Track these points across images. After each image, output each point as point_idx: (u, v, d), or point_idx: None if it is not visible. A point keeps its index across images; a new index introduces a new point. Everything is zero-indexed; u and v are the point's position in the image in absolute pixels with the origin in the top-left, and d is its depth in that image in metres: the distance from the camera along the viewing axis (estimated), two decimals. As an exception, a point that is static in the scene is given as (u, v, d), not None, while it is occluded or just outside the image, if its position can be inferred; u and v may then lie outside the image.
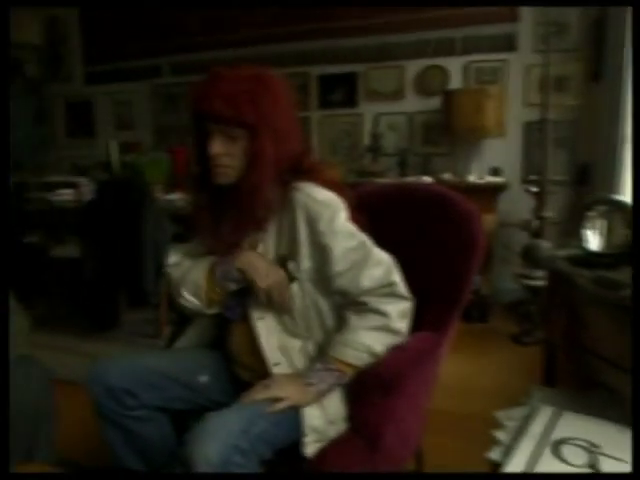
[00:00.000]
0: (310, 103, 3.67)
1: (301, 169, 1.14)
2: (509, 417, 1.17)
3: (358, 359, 1.06)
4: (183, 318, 1.40)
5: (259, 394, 1.03)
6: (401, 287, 1.09)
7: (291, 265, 1.10)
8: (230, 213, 1.14)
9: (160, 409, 1.20)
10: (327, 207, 1.08)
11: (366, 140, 3.53)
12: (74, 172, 3.99)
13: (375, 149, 3.42)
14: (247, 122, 1.04)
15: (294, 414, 1.03)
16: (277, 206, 1.11)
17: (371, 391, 1.06)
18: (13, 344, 1.18)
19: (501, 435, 1.11)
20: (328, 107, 3.66)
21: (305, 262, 1.10)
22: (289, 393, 1.03)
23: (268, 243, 1.14)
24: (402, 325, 1.09)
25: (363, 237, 1.10)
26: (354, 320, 1.08)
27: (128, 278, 2.55)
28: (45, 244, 2.92)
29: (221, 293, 1.15)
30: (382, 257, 1.10)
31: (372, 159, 3.42)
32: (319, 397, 1.05)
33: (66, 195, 2.94)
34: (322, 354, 1.10)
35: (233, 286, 1.14)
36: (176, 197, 2.91)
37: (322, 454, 1.02)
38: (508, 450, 1.03)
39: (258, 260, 1.11)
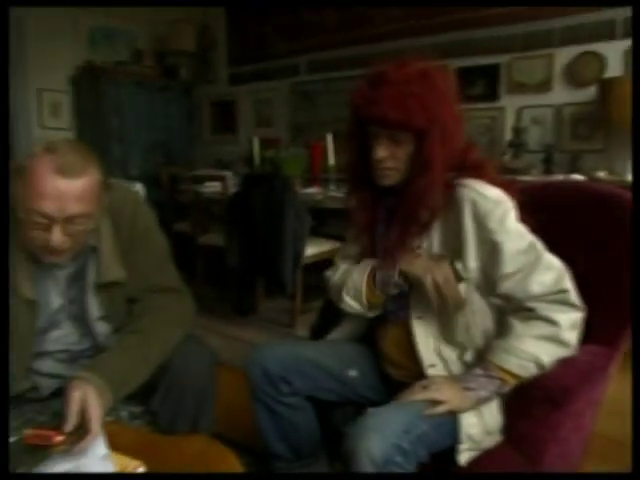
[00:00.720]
0: (447, 97, 3.55)
1: (466, 165, 1.09)
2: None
3: (522, 369, 1.00)
4: (329, 311, 1.43)
5: (418, 395, 1.01)
6: (573, 295, 1.01)
7: (458, 265, 1.06)
8: (393, 215, 1.13)
9: (309, 398, 1.24)
10: (497, 205, 1.03)
11: (507, 135, 3.33)
12: (218, 166, 4.30)
13: (517, 145, 3.21)
14: (416, 127, 1.01)
15: (452, 420, 0.99)
16: (442, 205, 1.07)
17: (535, 405, 1.00)
18: (188, 322, 1.30)
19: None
20: (467, 101, 3.50)
21: (471, 262, 1.05)
22: (448, 397, 1.00)
23: (432, 243, 1.11)
24: (572, 337, 1.01)
25: (533, 239, 1.03)
26: (520, 327, 1.01)
27: (267, 268, 2.69)
28: (193, 232, 3.18)
29: (381, 297, 1.14)
30: (553, 262, 1.02)
31: (513, 155, 3.22)
32: (477, 404, 1.01)
33: (213, 187, 3.17)
34: (481, 359, 1.05)
35: (394, 290, 1.12)
36: (314, 191, 3.00)
37: (474, 463, 0.99)
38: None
39: (421, 259, 1.09)
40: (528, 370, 1.00)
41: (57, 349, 1.25)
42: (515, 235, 1.02)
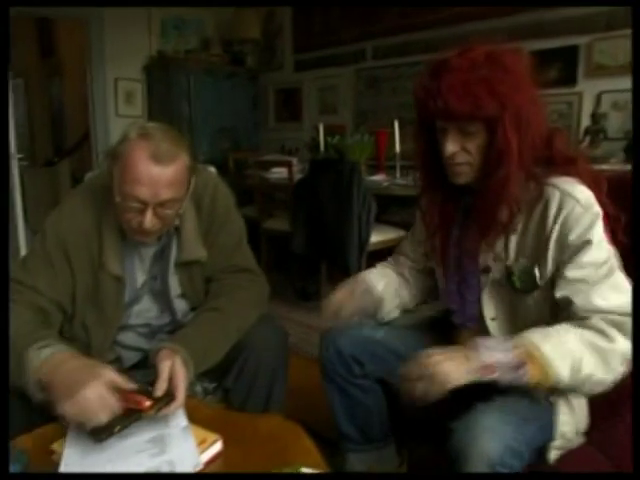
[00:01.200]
0: (520, 82, 3.40)
1: (553, 159, 1.00)
2: None
3: (552, 363, 0.87)
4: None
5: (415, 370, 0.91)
6: (630, 325, 0.90)
7: (536, 271, 0.99)
8: (469, 216, 1.08)
9: (380, 382, 1.24)
10: (587, 210, 0.95)
11: (585, 122, 3.15)
12: (282, 153, 4.35)
13: (595, 132, 3.04)
14: (487, 115, 0.94)
15: (550, 417, 0.95)
16: (525, 203, 1.00)
17: (621, 406, 0.94)
18: (263, 303, 1.33)
19: None
20: (541, 86, 3.33)
21: (549, 267, 0.98)
22: (446, 370, 0.89)
23: (509, 244, 1.04)
24: (620, 365, 0.90)
25: (612, 253, 0.96)
26: (571, 326, 0.93)
27: (332, 253, 2.70)
28: (258, 217, 3.24)
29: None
30: (624, 283, 0.94)
31: (591, 143, 3.04)
32: (478, 373, 0.89)
33: (279, 173, 3.21)
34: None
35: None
36: (378, 178, 2.97)
37: (561, 461, 0.95)
38: None
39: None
40: (558, 369, 0.87)
41: (139, 323, 1.32)
42: (597, 245, 0.94)
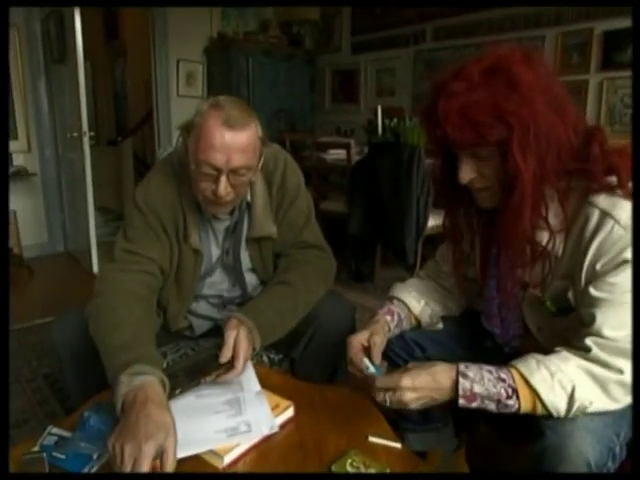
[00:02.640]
0: (590, 65, 3.25)
1: (591, 171, 0.87)
2: None
3: (545, 387, 0.84)
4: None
5: (389, 381, 0.92)
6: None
7: (570, 295, 0.94)
8: (496, 240, 1.01)
9: None
10: (629, 230, 0.84)
11: (660, 106, 2.99)
12: (337, 134, 4.36)
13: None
14: (493, 141, 0.85)
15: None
16: (563, 223, 0.91)
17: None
18: (330, 279, 1.36)
19: None
20: (612, 68, 3.19)
21: (581, 286, 0.91)
22: (420, 384, 0.89)
23: (539, 265, 0.97)
24: (626, 399, 0.85)
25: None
26: (572, 354, 0.87)
27: (388, 236, 2.71)
28: (315, 198, 3.28)
29: None
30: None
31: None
32: (465, 399, 0.87)
33: (337, 155, 3.23)
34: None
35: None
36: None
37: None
38: None
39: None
40: (550, 400, 0.83)
41: (211, 294, 1.39)
42: (628, 271, 0.84)
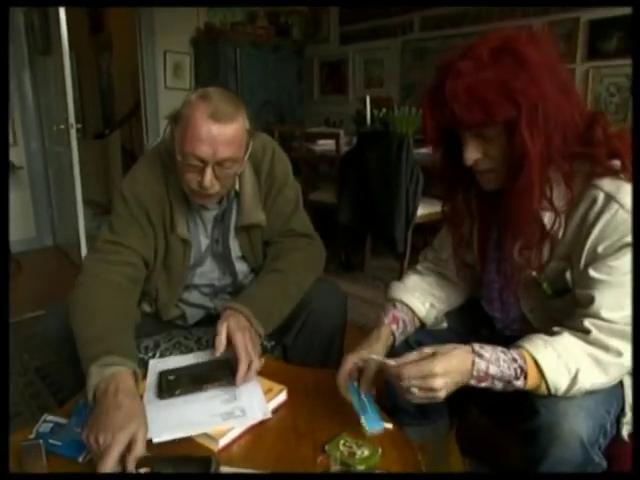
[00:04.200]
0: (576, 54, 3.28)
1: (595, 155, 0.88)
2: None
3: (553, 370, 0.84)
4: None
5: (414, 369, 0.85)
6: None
7: (568, 275, 0.95)
8: (496, 224, 1.02)
9: None
10: (630, 214, 0.85)
11: (644, 95, 3.03)
12: (326, 125, 4.36)
13: (655, 105, 2.92)
14: (501, 119, 0.84)
15: (620, 391, 0.91)
16: (566, 205, 0.91)
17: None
18: (320, 266, 1.38)
19: None
20: (598, 57, 3.22)
21: (581, 267, 0.91)
22: (443, 370, 0.84)
23: (544, 246, 0.97)
24: (618, 379, 0.88)
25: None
26: (574, 337, 0.88)
27: (378, 225, 2.72)
28: (304, 189, 3.29)
29: None
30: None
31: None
32: (477, 380, 0.86)
33: (326, 145, 3.23)
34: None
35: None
36: (425, 151, 2.95)
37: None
38: None
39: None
40: (555, 380, 0.84)
41: (202, 283, 1.39)
42: (628, 255, 0.85)
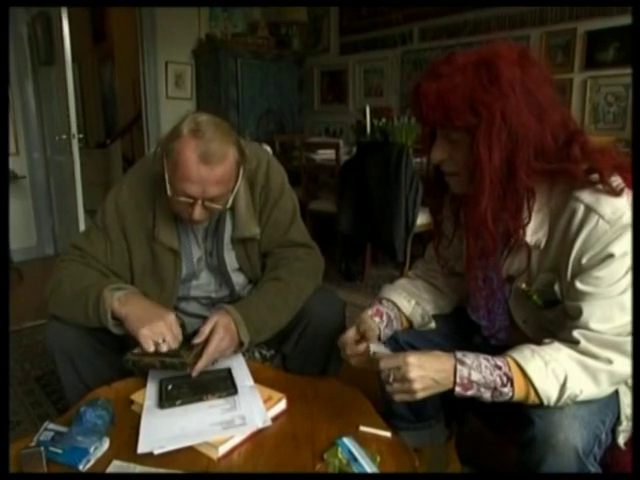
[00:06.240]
0: (574, 64, 3.31)
1: (572, 170, 0.89)
2: None
3: (541, 377, 0.85)
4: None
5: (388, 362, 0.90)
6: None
7: (557, 287, 0.95)
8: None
9: None
10: (613, 225, 0.85)
11: (642, 104, 3.05)
12: (326, 135, 4.39)
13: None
14: (460, 125, 0.87)
15: (616, 400, 0.92)
16: (549, 216, 0.94)
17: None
18: (319, 276, 1.38)
19: None
20: (595, 67, 3.25)
21: (568, 279, 0.92)
22: (416, 376, 0.87)
23: (532, 257, 0.98)
24: (611, 389, 0.88)
25: (629, 267, 0.86)
26: (563, 345, 0.88)
27: (378, 234, 2.73)
28: (304, 198, 3.30)
29: None
30: (628, 304, 0.86)
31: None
32: (462, 387, 0.87)
33: (326, 155, 3.25)
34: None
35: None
36: (424, 161, 2.97)
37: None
38: None
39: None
40: (543, 389, 0.84)
41: (200, 295, 1.40)
42: (619, 259, 0.85)
